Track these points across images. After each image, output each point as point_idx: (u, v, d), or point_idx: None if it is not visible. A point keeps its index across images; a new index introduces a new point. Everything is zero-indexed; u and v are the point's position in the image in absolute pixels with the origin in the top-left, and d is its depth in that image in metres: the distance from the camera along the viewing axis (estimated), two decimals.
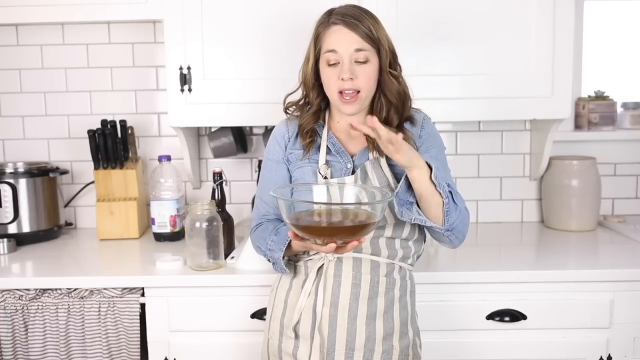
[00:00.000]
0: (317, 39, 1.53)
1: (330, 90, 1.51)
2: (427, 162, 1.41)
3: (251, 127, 2.39)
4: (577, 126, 2.45)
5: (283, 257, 1.51)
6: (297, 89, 1.60)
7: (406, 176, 1.44)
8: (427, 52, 2.01)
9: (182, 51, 2.02)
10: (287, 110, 1.63)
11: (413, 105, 1.58)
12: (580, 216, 2.26)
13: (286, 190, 1.49)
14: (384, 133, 1.33)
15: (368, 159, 1.52)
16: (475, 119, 2.12)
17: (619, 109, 2.45)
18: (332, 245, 1.32)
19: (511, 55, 2.01)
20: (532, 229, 2.34)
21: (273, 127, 1.67)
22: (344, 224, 1.34)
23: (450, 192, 1.44)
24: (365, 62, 1.48)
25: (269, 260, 1.56)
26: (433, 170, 1.40)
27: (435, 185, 1.41)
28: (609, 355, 1.80)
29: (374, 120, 1.33)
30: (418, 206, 1.47)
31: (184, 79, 2.03)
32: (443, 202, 1.43)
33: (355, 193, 1.46)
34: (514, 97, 2.02)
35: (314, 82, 1.56)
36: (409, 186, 1.45)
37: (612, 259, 1.98)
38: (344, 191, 1.46)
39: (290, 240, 1.46)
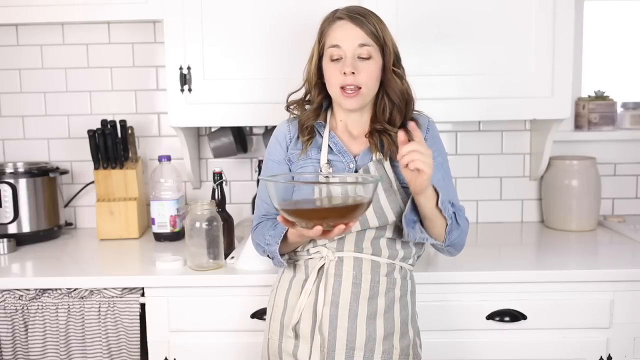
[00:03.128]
0: (321, 35, 1.53)
1: (332, 86, 1.51)
2: (434, 186, 1.44)
3: (251, 127, 2.39)
4: (577, 126, 2.45)
5: (282, 255, 1.51)
6: (301, 87, 1.61)
7: (412, 197, 1.46)
8: (427, 52, 2.01)
9: (182, 51, 2.02)
10: (289, 108, 1.63)
11: (414, 107, 1.59)
12: (580, 216, 2.26)
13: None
14: (418, 141, 1.36)
15: (371, 160, 1.53)
16: (475, 119, 2.12)
17: (619, 109, 2.45)
18: (319, 228, 1.30)
19: (511, 55, 2.01)
20: (532, 229, 2.34)
21: (273, 127, 1.67)
22: (333, 206, 1.33)
23: (455, 212, 1.49)
24: (368, 59, 1.48)
25: (268, 256, 1.56)
26: (440, 197, 1.44)
27: (441, 210, 1.45)
28: (609, 355, 1.80)
29: (413, 126, 1.39)
30: (421, 223, 1.50)
31: (184, 79, 2.03)
32: (447, 223, 1.47)
33: (342, 179, 1.48)
34: (514, 97, 2.02)
35: (316, 80, 1.56)
36: (414, 206, 1.48)
37: (612, 259, 1.98)
38: (330, 180, 1.48)
39: (286, 232, 1.46)
